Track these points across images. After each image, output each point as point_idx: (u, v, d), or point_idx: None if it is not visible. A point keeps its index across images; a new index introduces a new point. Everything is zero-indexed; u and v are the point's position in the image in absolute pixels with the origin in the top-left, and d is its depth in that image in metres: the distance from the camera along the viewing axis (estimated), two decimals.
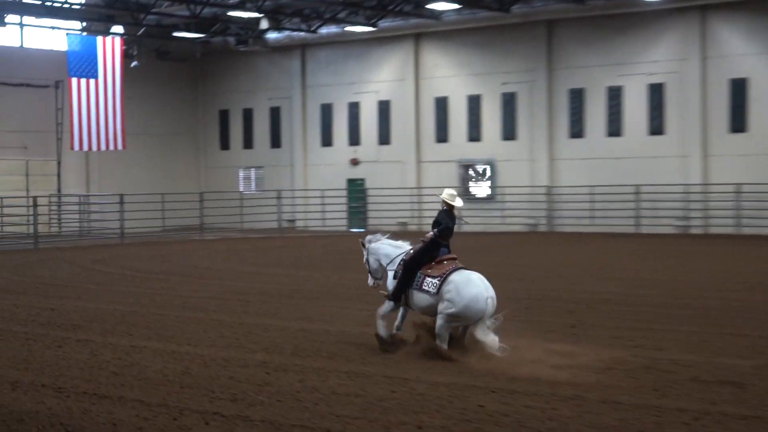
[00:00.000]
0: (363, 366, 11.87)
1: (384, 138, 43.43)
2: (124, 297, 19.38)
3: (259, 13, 39.49)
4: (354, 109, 44.15)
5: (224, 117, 48.27)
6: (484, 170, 40.80)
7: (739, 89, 35.48)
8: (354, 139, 44.26)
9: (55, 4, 39.21)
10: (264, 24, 40.58)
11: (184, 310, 17.16)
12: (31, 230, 35.45)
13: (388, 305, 12.95)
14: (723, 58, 35.72)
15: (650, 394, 10.26)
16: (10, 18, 39.08)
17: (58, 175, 42.68)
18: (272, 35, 43.74)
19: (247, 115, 47.55)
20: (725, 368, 11.50)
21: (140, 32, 42.45)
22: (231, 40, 44.80)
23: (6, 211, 38.94)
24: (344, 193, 43.94)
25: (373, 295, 14.64)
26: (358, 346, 13.09)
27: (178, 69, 47.67)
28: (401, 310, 12.96)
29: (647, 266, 24.58)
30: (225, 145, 48.40)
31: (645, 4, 36.22)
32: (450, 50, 41.51)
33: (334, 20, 41.37)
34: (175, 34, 43.13)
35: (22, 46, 41.89)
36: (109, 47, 39.91)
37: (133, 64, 43.06)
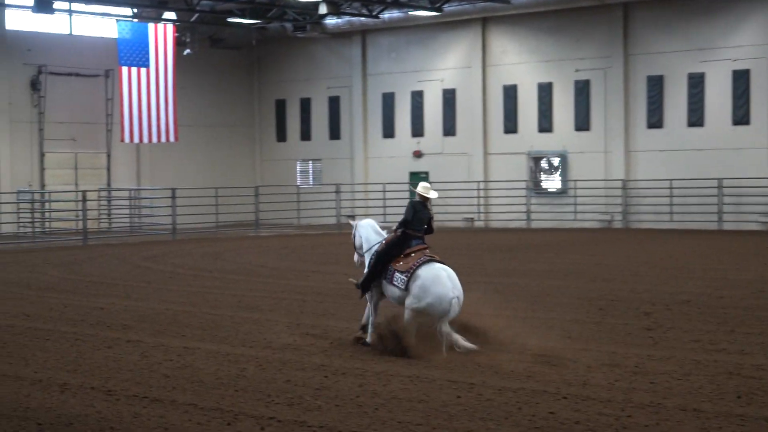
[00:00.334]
0: (426, 370, 11.87)
1: (449, 129, 43.34)
2: (176, 296, 19.59)
3: None
4: (417, 98, 44.13)
5: (281, 107, 48.50)
6: (556, 163, 40.61)
7: None
8: (417, 130, 44.24)
9: None
10: (323, 9, 40.61)
11: (238, 310, 17.30)
12: (80, 226, 35.82)
13: (367, 309, 13.67)
14: None
15: (733, 401, 10.14)
16: (59, 5, 39.49)
17: (108, 169, 43.23)
18: (331, 21, 43.86)
19: (305, 105, 47.74)
20: None
21: (193, 18, 42.74)
22: (288, 26, 44.95)
23: (54, 206, 39.54)
24: (406, 187, 43.97)
25: None
26: None
27: (233, 57, 47.99)
28: (368, 308, 13.64)
29: (730, 265, 24.29)
30: (281, 136, 48.64)
31: None
32: (519, 35, 41.30)
33: (396, 4, 41.35)
34: (230, 20, 43.35)
35: (71, 33, 42.36)
36: (161, 34, 40.32)
37: (186, 52, 43.46)
